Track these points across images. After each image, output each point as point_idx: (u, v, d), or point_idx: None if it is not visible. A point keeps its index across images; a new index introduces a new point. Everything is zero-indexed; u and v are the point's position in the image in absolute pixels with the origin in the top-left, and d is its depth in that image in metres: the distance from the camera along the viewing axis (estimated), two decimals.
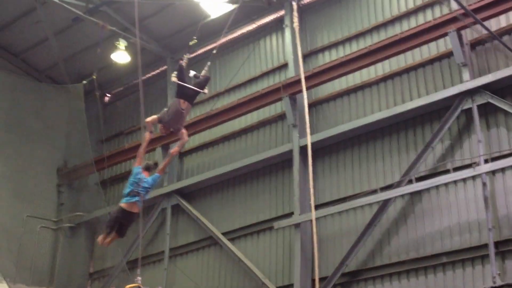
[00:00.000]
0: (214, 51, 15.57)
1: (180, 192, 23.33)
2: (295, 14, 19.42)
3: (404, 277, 17.62)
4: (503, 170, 16.50)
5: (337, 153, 20.05)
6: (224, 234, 21.77)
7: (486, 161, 16.67)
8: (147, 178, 13.18)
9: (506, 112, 16.67)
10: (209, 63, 14.55)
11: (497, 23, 17.45)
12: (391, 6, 19.96)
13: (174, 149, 13.92)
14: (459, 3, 14.79)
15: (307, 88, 18.72)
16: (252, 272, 20.41)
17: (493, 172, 16.61)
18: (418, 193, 17.77)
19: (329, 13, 21.45)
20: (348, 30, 20.89)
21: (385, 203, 18.11)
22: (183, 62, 13.88)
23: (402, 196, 18.02)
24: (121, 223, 13.08)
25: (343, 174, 19.73)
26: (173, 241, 23.30)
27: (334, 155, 20.09)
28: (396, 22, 19.60)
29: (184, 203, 23.07)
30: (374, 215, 18.19)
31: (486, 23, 16.95)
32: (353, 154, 19.67)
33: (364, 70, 19.67)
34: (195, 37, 14.86)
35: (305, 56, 20.88)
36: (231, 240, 21.61)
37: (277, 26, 22.52)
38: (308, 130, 17.72)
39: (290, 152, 20.44)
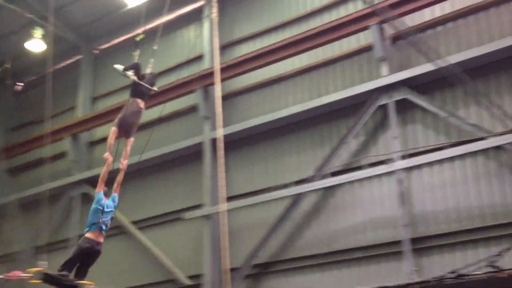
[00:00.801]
0: (155, 47, 12.44)
1: (90, 181, 20.16)
2: (214, 5, 16.70)
3: (316, 270, 15.45)
4: (419, 167, 14.37)
5: (250, 146, 17.48)
6: (134, 223, 19.10)
7: (402, 158, 14.42)
8: (107, 202, 10.43)
9: (423, 109, 14.50)
10: (152, 60, 11.79)
11: (421, 17, 15.18)
12: None
13: (123, 163, 10.78)
14: None
15: (222, 80, 16.09)
16: (162, 261, 17.93)
17: (409, 169, 14.42)
18: (332, 188, 15.51)
19: (249, 4, 18.71)
20: (267, 22, 18.21)
21: (298, 197, 15.82)
22: (137, 59, 11.29)
23: (316, 190, 15.69)
24: (87, 256, 10.28)
25: (256, 167, 17.23)
26: (82, 228, 19.97)
27: (247, 148, 17.52)
28: (317, 15, 17.07)
29: (93, 192, 19.86)
30: (286, 208, 15.86)
31: (409, 17, 14.79)
32: (267, 147, 17.17)
33: (281, 63, 17.03)
34: (142, 32, 11.88)
35: (223, 48, 18.04)
36: (142, 229, 18.95)
37: (196, 16, 19.50)
38: (219, 122, 15.02)
39: (202, 144, 17.81)
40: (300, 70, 16.87)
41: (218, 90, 15.53)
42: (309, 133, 16.37)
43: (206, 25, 18.71)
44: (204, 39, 18.79)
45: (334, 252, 15.15)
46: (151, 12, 17.46)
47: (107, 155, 10.46)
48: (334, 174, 15.34)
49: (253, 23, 18.37)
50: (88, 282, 10.55)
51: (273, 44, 16.93)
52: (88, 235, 10.15)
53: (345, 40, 16.07)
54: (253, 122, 17.02)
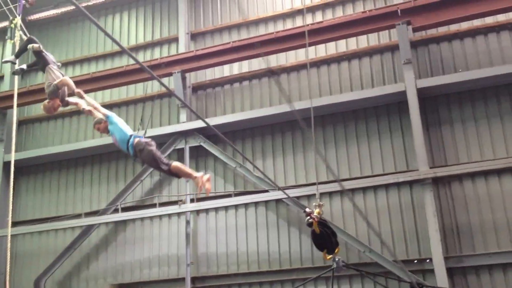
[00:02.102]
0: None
1: None
2: (18, 28, 16.58)
3: None
4: (206, 210, 15.55)
5: (44, 173, 17.63)
6: None
7: (191, 201, 15.52)
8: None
9: (215, 157, 15.63)
10: None
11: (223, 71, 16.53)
12: (122, 38, 17.88)
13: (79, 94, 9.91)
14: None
15: (21, 105, 16.20)
16: None
17: (197, 212, 15.54)
18: (123, 222, 16.16)
19: (56, 33, 18.80)
20: (74, 54, 18.47)
21: (88, 228, 16.30)
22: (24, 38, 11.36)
23: (107, 223, 16.26)
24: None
25: (48, 195, 17.39)
26: None
27: (41, 175, 17.64)
28: (125, 55, 17.54)
29: None
30: (75, 238, 16.29)
31: (210, 70, 16.11)
32: (60, 176, 17.39)
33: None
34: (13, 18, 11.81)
35: (24, 72, 17.85)
36: None
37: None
38: (13, 146, 15.01)
39: None
40: (108, 105, 17.02)
41: (14, 114, 15.57)
42: (106, 167, 16.87)
43: (8, 47, 18.46)
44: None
45: (119, 285, 15.65)
46: None
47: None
48: (127, 209, 16.04)
49: (59, 52, 18.33)
50: None
51: (77, 76, 17.06)
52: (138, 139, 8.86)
53: (150, 82, 16.67)
54: (48, 150, 17.14)
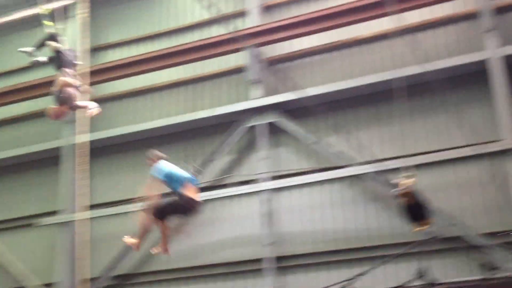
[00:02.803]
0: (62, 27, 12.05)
1: None
2: (86, 4, 16.38)
3: (182, 284, 15.80)
4: (286, 188, 15.15)
5: (117, 154, 17.27)
6: None
7: (269, 179, 15.23)
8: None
9: (293, 134, 15.26)
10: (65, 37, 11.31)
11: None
12: (189, 13, 17.52)
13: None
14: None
15: (92, 84, 15.88)
16: (9, 268, 17.33)
17: (276, 190, 15.17)
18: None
19: (121, 10, 18.38)
20: (139, 31, 18.06)
21: None
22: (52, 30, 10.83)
23: None
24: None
25: (122, 176, 17.07)
26: None
27: (114, 156, 17.31)
28: (196, 30, 17.16)
29: None
30: None
31: (287, 43, 15.80)
32: (134, 157, 16.92)
33: (155, 74, 17.06)
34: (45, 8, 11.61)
35: (90, 51, 17.65)
36: None
37: (60, 14, 18.77)
38: (82, 128, 14.79)
39: (62, 148, 17.38)
40: (175, 83, 16.96)
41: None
42: (180, 146, 16.46)
43: (73, 25, 17.89)
44: (71, 39, 18.22)
45: (199, 267, 15.50)
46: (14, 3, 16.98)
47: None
48: (202, 190, 15.75)
49: (125, 29, 18.10)
50: None
51: (147, 53, 16.86)
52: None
53: (220, 58, 16.34)
54: (121, 131, 16.88)
